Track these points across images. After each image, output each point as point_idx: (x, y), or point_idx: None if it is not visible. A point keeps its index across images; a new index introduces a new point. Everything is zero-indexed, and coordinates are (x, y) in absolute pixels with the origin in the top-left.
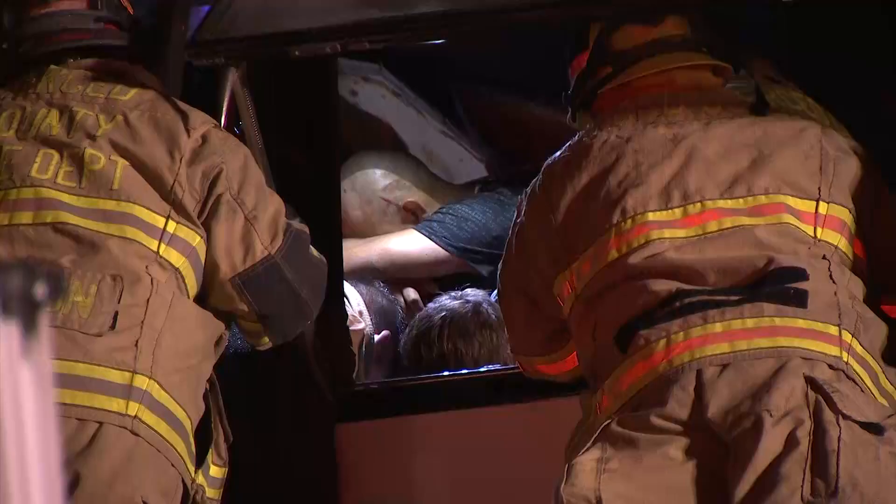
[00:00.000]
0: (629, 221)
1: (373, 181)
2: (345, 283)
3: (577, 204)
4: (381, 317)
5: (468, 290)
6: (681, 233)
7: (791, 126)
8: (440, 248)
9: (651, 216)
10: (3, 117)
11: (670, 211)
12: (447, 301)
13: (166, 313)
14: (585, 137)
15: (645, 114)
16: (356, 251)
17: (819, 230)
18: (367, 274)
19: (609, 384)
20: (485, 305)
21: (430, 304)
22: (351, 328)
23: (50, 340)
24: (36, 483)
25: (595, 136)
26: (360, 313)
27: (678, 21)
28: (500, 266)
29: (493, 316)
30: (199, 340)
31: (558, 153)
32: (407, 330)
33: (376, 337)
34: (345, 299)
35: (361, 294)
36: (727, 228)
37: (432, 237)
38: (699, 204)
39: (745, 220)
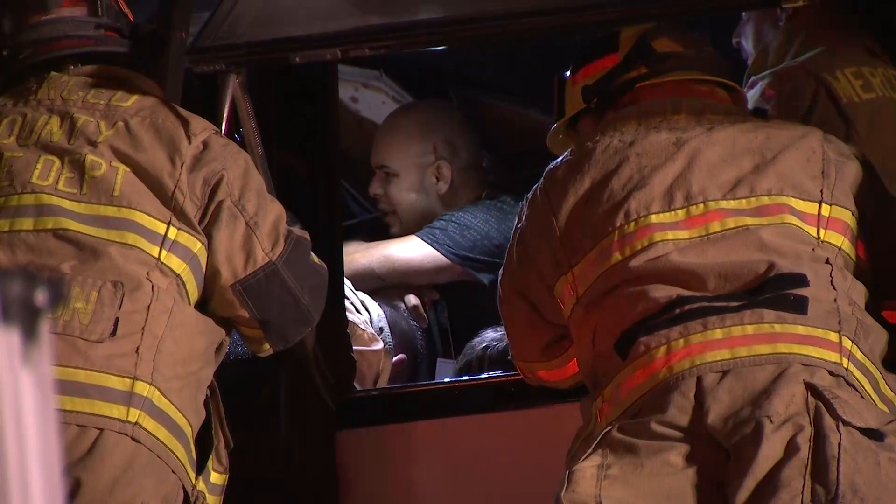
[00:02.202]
0: (632, 224)
1: (442, 126)
2: (368, 298)
3: (579, 207)
4: (401, 339)
5: None
6: (684, 234)
7: (793, 131)
8: (441, 256)
9: (654, 218)
10: (3, 124)
11: (673, 212)
12: (490, 332)
13: (167, 320)
14: (588, 142)
15: (647, 119)
16: (357, 257)
17: (822, 231)
18: (368, 279)
19: (609, 391)
20: None
21: (475, 338)
22: (369, 348)
23: (50, 347)
24: (37, 490)
25: (597, 141)
26: (381, 330)
27: (703, 49)
28: (500, 271)
29: None
30: (199, 347)
31: (560, 158)
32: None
33: (393, 359)
34: (349, 312)
35: (386, 314)
36: (730, 229)
37: (434, 244)
38: (702, 205)
39: (749, 221)
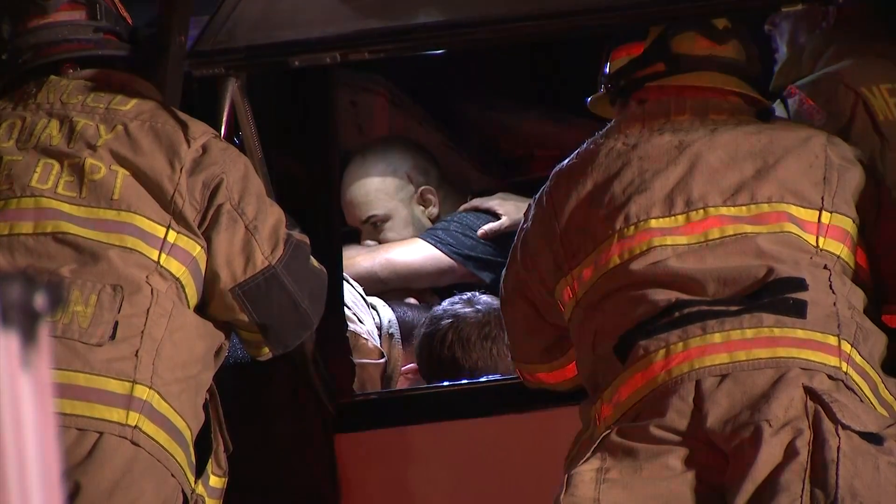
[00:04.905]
0: (632, 228)
1: (405, 156)
2: (381, 303)
3: (581, 210)
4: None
5: (481, 297)
6: (683, 240)
7: (796, 134)
8: (444, 258)
9: (653, 223)
10: (3, 127)
11: (673, 218)
12: (459, 306)
13: (166, 323)
14: (592, 145)
15: (651, 121)
16: (359, 260)
17: (821, 239)
18: (370, 283)
19: (608, 394)
20: (494, 315)
21: (444, 304)
22: (371, 361)
23: (50, 350)
24: (36, 494)
25: (602, 144)
26: (392, 336)
27: (738, 47)
28: (503, 272)
29: (498, 329)
30: (199, 350)
31: (566, 160)
32: (419, 327)
33: (403, 368)
34: (353, 322)
35: (405, 318)
36: (729, 236)
37: (438, 245)
38: (702, 211)
39: (748, 228)
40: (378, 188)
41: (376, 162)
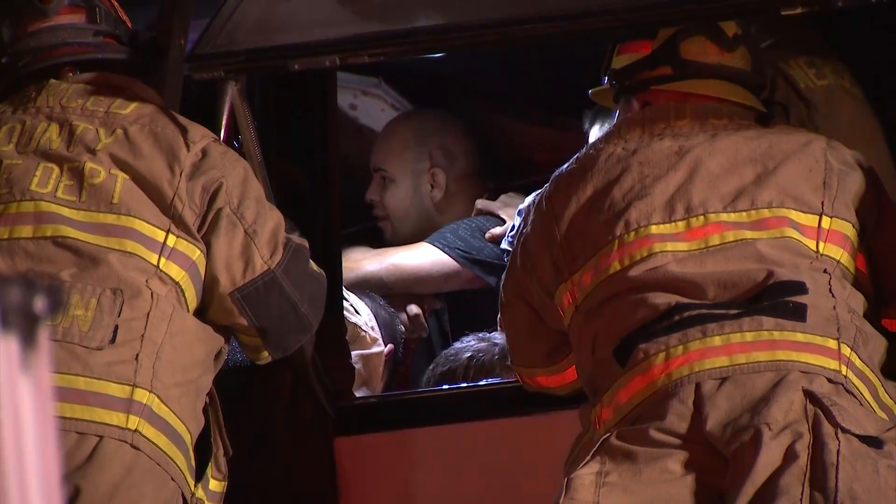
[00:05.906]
0: (632, 234)
1: (438, 134)
2: (356, 298)
3: (581, 215)
4: (385, 330)
5: (495, 333)
6: (683, 246)
7: (796, 139)
8: (451, 262)
9: (654, 229)
10: (2, 131)
11: (673, 224)
12: (473, 342)
13: (166, 327)
14: (592, 149)
15: (652, 126)
16: (364, 263)
17: (821, 244)
18: (374, 287)
19: (608, 397)
20: None
21: (457, 344)
22: (372, 351)
23: (50, 354)
24: (35, 497)
25: (602, 149)
26: (373, 328)
27: (746, 55)
28: (503, 276)
29: None
30: (198, 354)
31: (566, 164)
32: (431, 366)
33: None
34: (350, 314)
35: (368, 306)
36: (729, 242)
37: (445, 249)
38: (702, 217)
39: (748, 234)
40: (398, 149)
41: (411, 125)
